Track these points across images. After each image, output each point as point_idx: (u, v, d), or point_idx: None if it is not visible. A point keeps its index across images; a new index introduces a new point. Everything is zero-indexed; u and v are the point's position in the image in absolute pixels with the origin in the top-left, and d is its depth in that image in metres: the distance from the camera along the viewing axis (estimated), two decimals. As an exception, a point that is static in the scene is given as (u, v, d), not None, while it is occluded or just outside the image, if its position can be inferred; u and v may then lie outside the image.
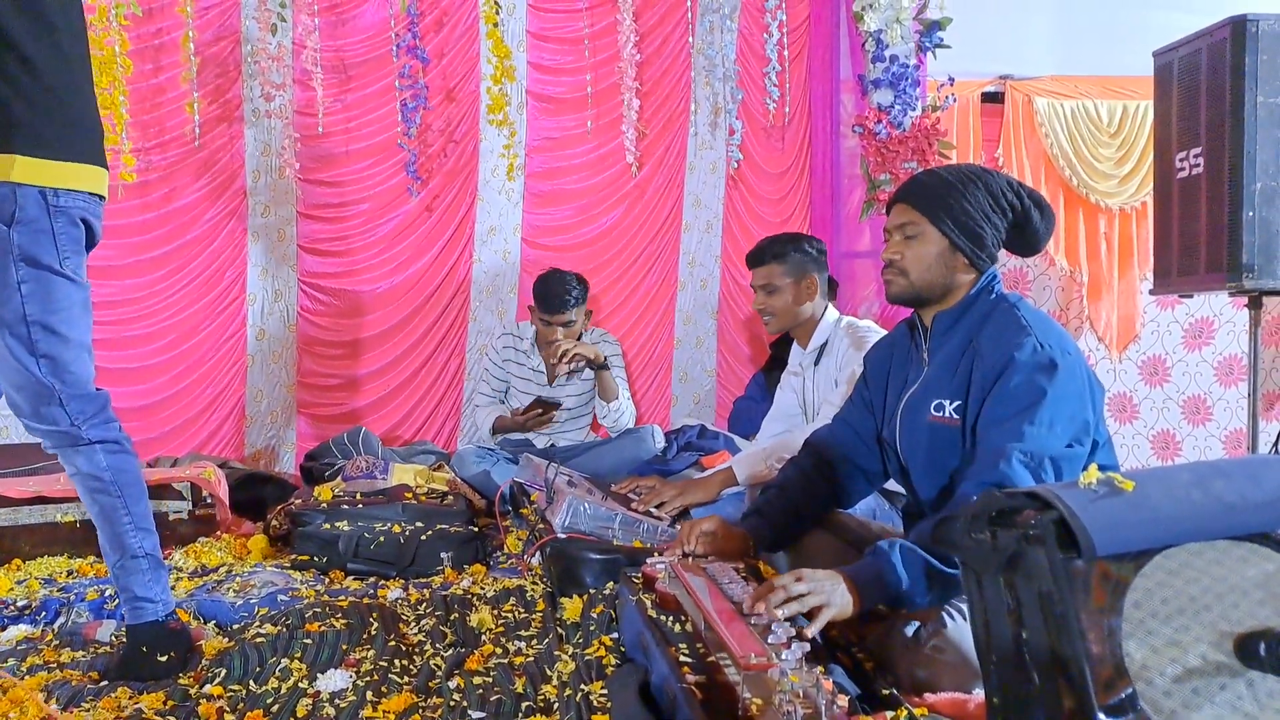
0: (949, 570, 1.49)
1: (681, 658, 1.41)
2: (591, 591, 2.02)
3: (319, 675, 1.71)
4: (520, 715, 1.54)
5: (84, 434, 1.77)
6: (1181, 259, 3.37)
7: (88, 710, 1.62)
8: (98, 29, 3.37)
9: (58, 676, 1.79)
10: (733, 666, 1.29)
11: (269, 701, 1.62)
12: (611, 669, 1.66)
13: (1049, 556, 0.98)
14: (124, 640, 1.87)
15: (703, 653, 1.44)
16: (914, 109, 3.80)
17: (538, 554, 2.34)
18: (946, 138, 3.85)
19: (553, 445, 3.57)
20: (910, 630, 1.59)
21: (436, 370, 4.07)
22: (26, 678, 1.78)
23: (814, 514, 2.00)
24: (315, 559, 2.53)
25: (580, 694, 1.56)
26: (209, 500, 2.94)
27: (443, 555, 2.55)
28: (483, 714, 1.55)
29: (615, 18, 4.07)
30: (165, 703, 1.64)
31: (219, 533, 2.89)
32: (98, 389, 1.82)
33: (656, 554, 2.03)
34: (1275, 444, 3.84)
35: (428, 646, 1.89)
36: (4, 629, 2.09)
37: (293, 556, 2.57)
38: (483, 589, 2.28)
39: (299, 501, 2.74)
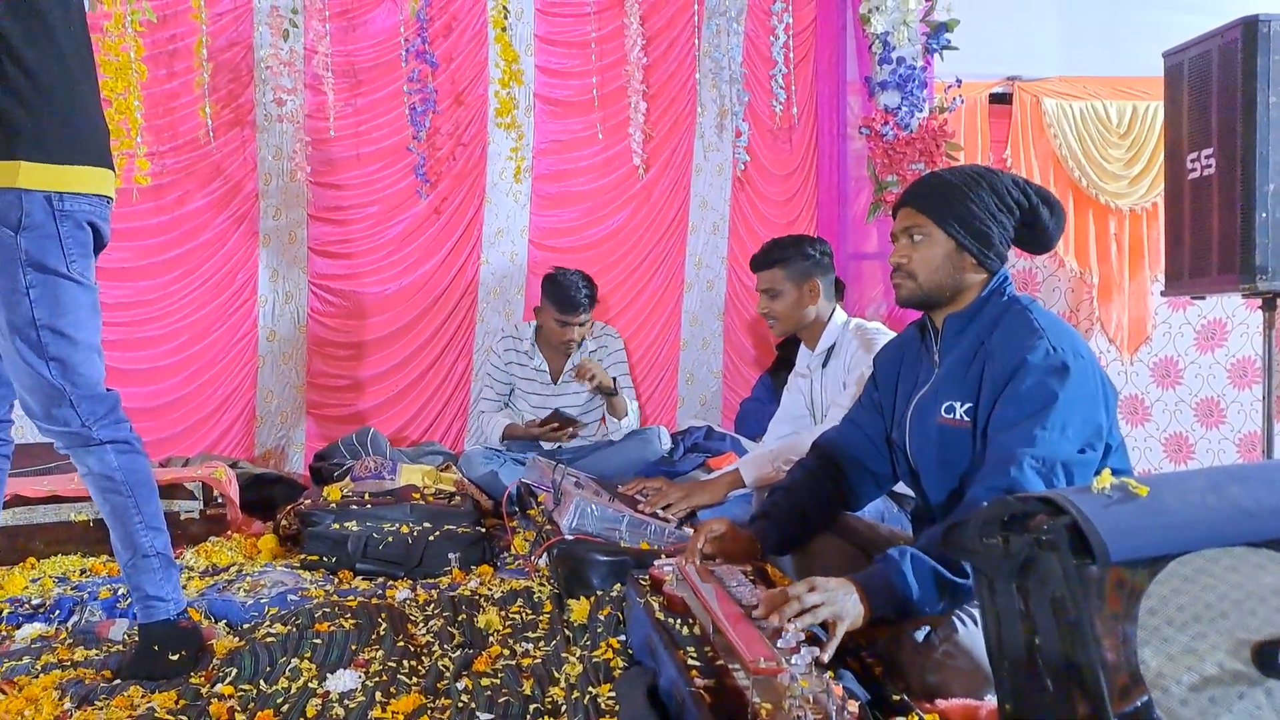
0: (959, 579, 1.48)
1: (690, 661, 1.41)
2: (599, 593, 2.02)
3: (328, 675, 1.71)
4: (528, 717, 1.55)
5: (95, 434, 1.79)
6: (1193, 260, 3.35)
7: (100, 708, 1.63)
8: (113, 35, 3.40)
9: (71, 675, 1.80)
10: (742, 671, 1.29)
11: (279, 701, 1.62)
12: (619, 671, 1.66)
13: (1062, 562, 0.97)
14: (136, 639, 1.88)
15: (711, 656, 1.44)
16: (921, 110, 3.78)
17: (545, 555, 2.34)
18: (954, 139, 3.84)
19: (559, 446, 3.58)
20: (921, 635, 1.59)
21: (444, 371, 4.08)
22: (41, 675, 1.79)
23: (822, 517, 1.99)
24: (324, 559, 2.54)
25: (588, 696, 1.57)
26: (220, 500, 2.95)
27: (450, 556, 2.56)
28: (490, 716, 1.55)
29: (622, 22, 4.07)
30: (177, 702, 1.65)
31: (229, 532, 2.90)
32: (108, 390, 1.83)
33: (664, 556, 2.03)
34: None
35: (436, 647, 1.90)
36: (18, 627, 2.11)
37: (302, 556, 2.58)
38: (490, 590, 2.29)
39: (308, 502, 2.75)
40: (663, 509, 2.43)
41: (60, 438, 1.80)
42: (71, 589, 2.35)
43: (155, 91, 3.61)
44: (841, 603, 1.47)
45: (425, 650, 1.90)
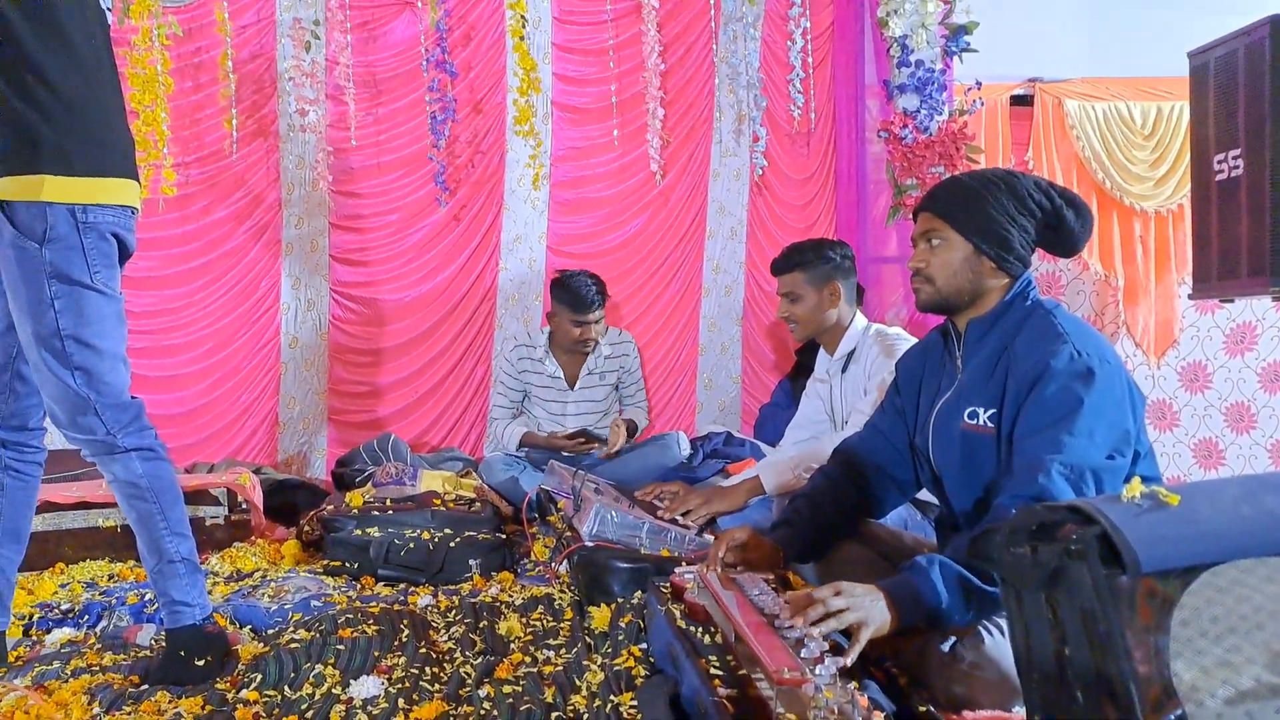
0: (988, 588, 1.46)
1: (712, 670, 1.41)
2: (620, 600, 2.01)
3: (352, 681, 1.72)
4: (550, 725, 1.54)
5: (120, 442, 1.80)
6: (1221, 263, 3.31)
7: (129, 714, 1.65)
8: (140, 49, 3.46)
9: (100, 680, 1.82)
10: (765, 681, 1.28)
11: (303, 707, 1.63)
12: (641, 680, 1.66)
13: (1092, 573, 0.96)
14: (163, 644, 1.90)
15: (733, 665, 1.43)
16: (940, 113, 3.76)
17: (565, 562, 2.34)
18: (974, 142, 3.82)
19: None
20: (947, 645, 1.57)
21: (463, 377, 4.10)
22: (70, 680, 1.81)
23: (844, 524, 1.98)
24: (347, 565, 2.55)
25: (610, 705, 1.56)
26: (244, 506, 2.97)
27: (471, 562, 2.56)
28: (513, 724, 1.55)
29: (639, 29, 4.08)
30: (203, 707, 1.67)
31: (254, 538, 2.92)
32: (132, 397, 1.85)
33: (684, 563, 2.03)
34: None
35: (458, 654, 1.90)
36: (48, 632, 2.13)
37: (325, 562, 2.60)
38: (511, 597, 2.29)
39: (330, 507, 2.77)
40: (683, 515, 2.42)
41: (86, 445, 1.82)
42: (100, 594, 2.37)
43: (181, 103, 3.66)
44: (868, 608, 1.45)
45: (447, 657, 1.90)
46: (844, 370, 2.68)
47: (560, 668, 1.76)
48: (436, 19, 3.84)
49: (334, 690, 1.69)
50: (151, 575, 1.87)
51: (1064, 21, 4.55)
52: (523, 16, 3.89)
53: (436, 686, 1.72)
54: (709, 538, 2.31)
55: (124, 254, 1.87)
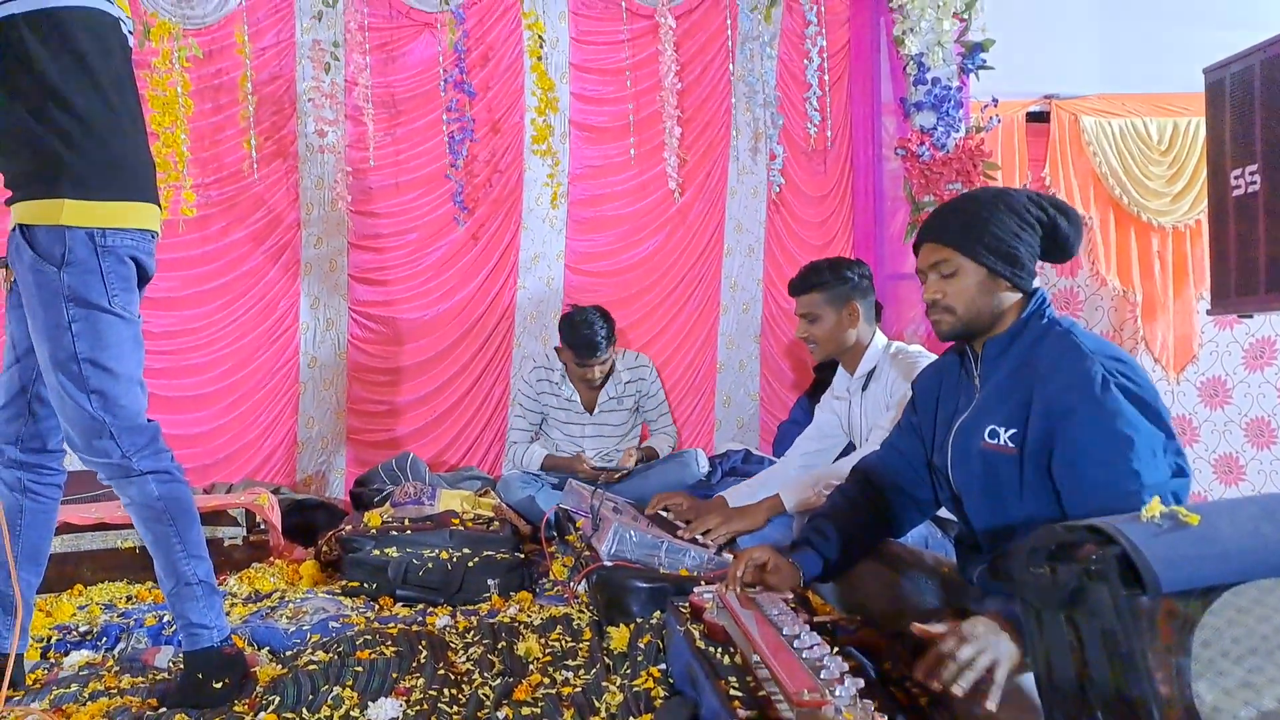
0: None
1: (731, 691, 1.40)
2: (638, 621, 2.01)
3: (370, 703, 1.72)
4: (570, 747, 1.54)
5: (135, 465, 1.81)
6: (1240, 278, 3.28)
7: (147, 737, 1.65)
8: (161, 71, 3.52)
9: (118, 703, 1.83)
10: (785, 702, 1.27)
11: (322, 730, 1.63)
12: (660, 701, 1.65)
13: (1112, 593, 0.95)
14: (181, 666, 1.90)
15: (753, 686, 1.42)
16: (957, 130, 3.76)
17: (584, 582, 2.34)
18: (991, 158, 3.81)
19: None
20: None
21: (482, 395, 4.11)
22: (88, 704, 1.82)
23: (864, 543, 1.97)
24: (365, 585, 2.56)
25: (630, 726, 1.56)
26: (263, 526, 2.98)
27: (490, 582, 2.56)
28: (533, 745, 1.55)
29: (656, 48, 4.11)
30: (221, 730, 1.67)
31: (272, 558, 2.93)
32: (149, 420, 1.86)
33: (703, 583, 2.02)
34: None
35: (476, 675, 1.90)
36: (66, 654, 2.14)
37: (343, 583, 2.60)
38: (530, 617, 2.29)
39: (349, 528, 2.78)
40: (702, 534, 2.42)
41: (101, 469, 1.83)
42: (118, 616, 2.39)
43: (201, 125, 3.71)
44: (996, 646, 1.41)
45: (466, 678, 1.90)
46: (864, 389, 2.68)
47: (579, 689, 1.76)
48: (455, 40, 3.88)
49: (352, 713, 1.70)
50: (169, 597, 1.88)
51: (1080, 38, 4.54)
52: (540, 37, 3.93)
53: (455, 709, 1.72)
54: (728, 557, 2.30)
55: (143, 277, 1.88)
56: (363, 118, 3.86)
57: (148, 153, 1.92)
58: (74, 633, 2.26)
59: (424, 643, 2.03)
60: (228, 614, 2.19)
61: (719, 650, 1.59)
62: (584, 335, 3.45)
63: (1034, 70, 4.37)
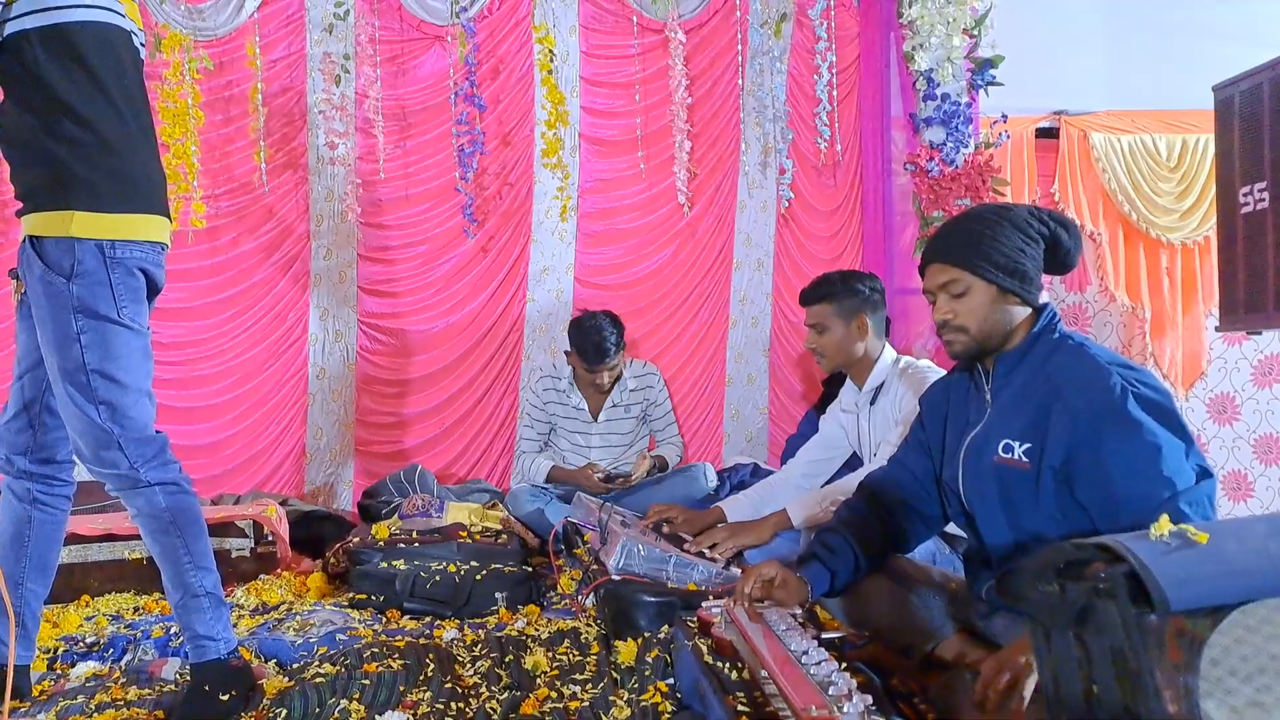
0: None
1: (739, 707, 1.40)
2: (646, 635, 2.01)
3: (377, 716, 1.72)
4: (577, 762, 1.54)
5: (143, 476, 1.81)
6: (1249, 295, 3.28)
7: (154, 748, 1.65)
8: (171, 83, 3.54)
9: (125, 714, 1.83)
10: (793, 718, 1.27)
11: (329, 743, 1.63)
12: (668, 716, 1.65)
13: (1121, 611, 0.95)
14: (188, 678, 1.90)
15: (760, 702, 1.42)
16: (966, 146, 3.77)
17: (592, 595, 2.33)
18: (1000, 174, 3.82)
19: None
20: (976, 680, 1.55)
21: (490, 408, 4.12)
22: (95, 715, 1.82)
23: (872, 558, 1.96)
24: (372, 598, 2.55)
25: (637, 741, 1.55)
26: (270, 538, 2.98)
27: (497, 595, 2.56)
28: (539, 759, 1.54)
29: (666, 63, 4.13)
30: (228, 742, 1.67)
31: (279, 570, 2.93)
32: (156, 432, 1.86)
33: (711, 597, 2.02)
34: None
35: (483, 689, 1.90)
36: (73, 665, 2.14)
37: (350, 595, 2.60)
38: (537, 630, 2.29)
39: (357, 539, 2.78)
40: (709, 548, 2.42)
41: (109, 480, 1.83)
42: (125, 627, 2.38)
43: (211, 136, 3.74)
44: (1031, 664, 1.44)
45: (473, 692, 1.89)
46: (872, 403, 2.68)
47: (586, 703, 1.75)
48: (465, 53, 3.90)
49: (359, 724, 1.69)
50: (176, 609, 1.87)
51: (1089, 55, 4.56)
52: (550, 51, 3.95)
53: (461, 721, 1.72)
54: (736, 571, 2.30)
55: (153, 290, 1.89)
56: (373, 130, 3.88)
57: (159, 165, 1.93)
58: (81, 644, 2.26)
59: (431, 656, 2.02)
60: (235, 626, 2.19)
61: (727, 665, 1.59)
62: (593, 340, 3.45)
63: (1043, 86, 4.38)
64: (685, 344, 4.28)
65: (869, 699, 1.27)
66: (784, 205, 4.33)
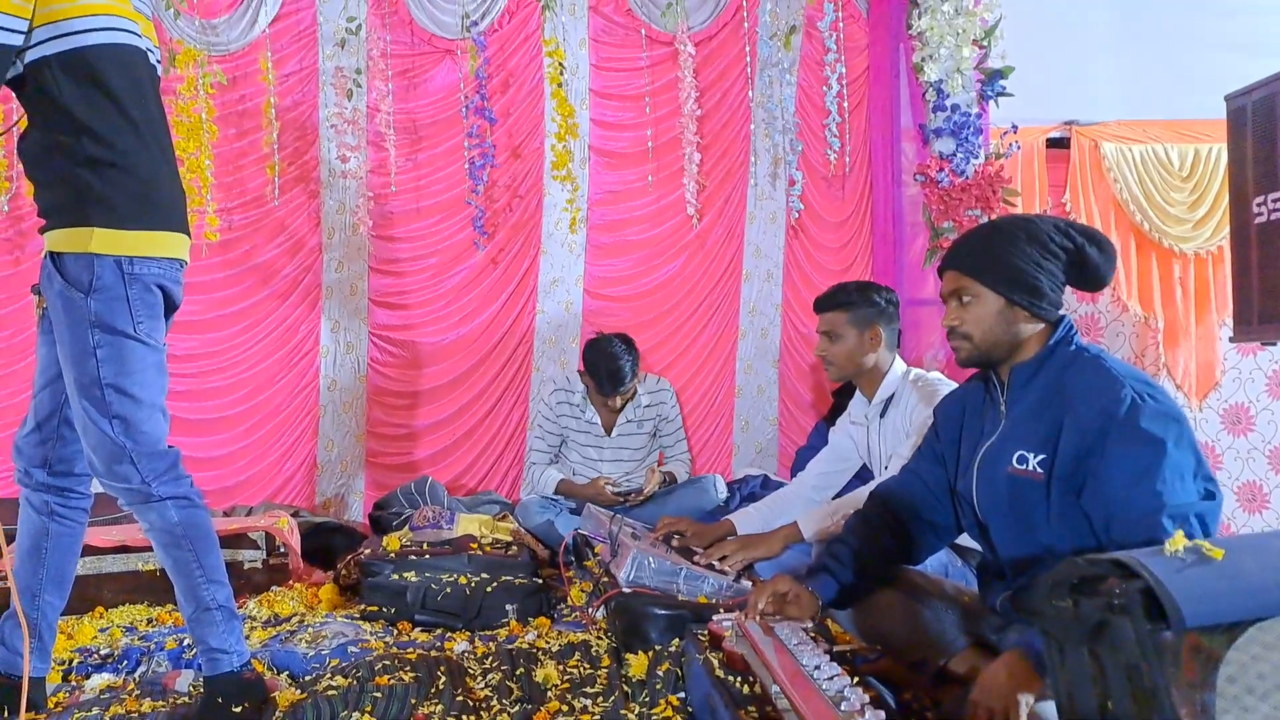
0: None
1: (751, 721, 1.40)
2: (657, 648, 2.00)
3: (389, 730, 1.72)
4: (588, 776, 1.53)
5: (155, 491, 1.82)
6: (1263, 305, 3.27)
7: (167, 761, 1.66)
8: (185, 97, 3.57)
9: (138, 727, 1.83)
10: (805, 732, 1.27)
11: (341, 756, 1.63)
12: (679, 730, 1.64)
13: (1135, 627, 0.94)
14: (201, 691, 1.91)
15: (773, 716, 1.42)
16: (977, 157, 3.76)
17: (602, 608, 2.33)
18: (1011, 185, 3.81)
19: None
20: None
21: (500, 419, 4.12)
22: (109, 728, 1.83)
23: (882, 567, 1.96)
24: (384, 609, 2.56)
25: (648, 755, 1.55)
26: (282, 549, 2.99)
27: (508, 607, 2.56)
28: (551, 774, 1.54)
29: (676, 75, 4.14)
30: (241, 755, 1.67)
31: (291, 582, 2.93)
32: (169, 446, 1.88)
33: (722, 610, 2.01)
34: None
35: (494, 702, 1.90)
36: (88, 677, 2.15)
37: (362, 607, 2.60)
38: (548, 643, 2.28)
39: (368, 551, 2.78)
40: (719, 561, 2.41)
41: (121, 494, 1.84)
42: (139, 639, 2.39)
43: (225, 150, 3.77)
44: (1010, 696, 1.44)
45: (484, 705, 1.90)
46: (883, 415, 2.67)
47: (598, 716, 1.75)
48: (476, 66, 3.92)
49: (371, 737, 1.69)
50: (189, 622, 1.89)
51: (1100, 65, 4.54)
52: (560, 64, 3.97)
53: (472, 734, 1.72)
54: (747, 584, 2.30)
55: (170, 306, 1.91)
56: (384, 144, 3.90)
57: (178, 183, 1.95)
58: (95, 655, 2.27)
59: (442, 668, 2.03)
60: (247, 638, 2.20)
61: (738, 679, 1.58)
62: (608, 368, 3.43)
63: (1054, 97, 4.37)
64: (695, 355, 4.28)
65: (881, 715, 1.27)
66: (793, 216, 4.33)
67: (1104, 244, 1.76)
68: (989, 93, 3.79)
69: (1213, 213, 4.41)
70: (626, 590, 2.21)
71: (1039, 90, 4.00)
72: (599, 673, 2.01)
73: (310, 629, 2.43)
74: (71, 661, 2.24)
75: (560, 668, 2.06)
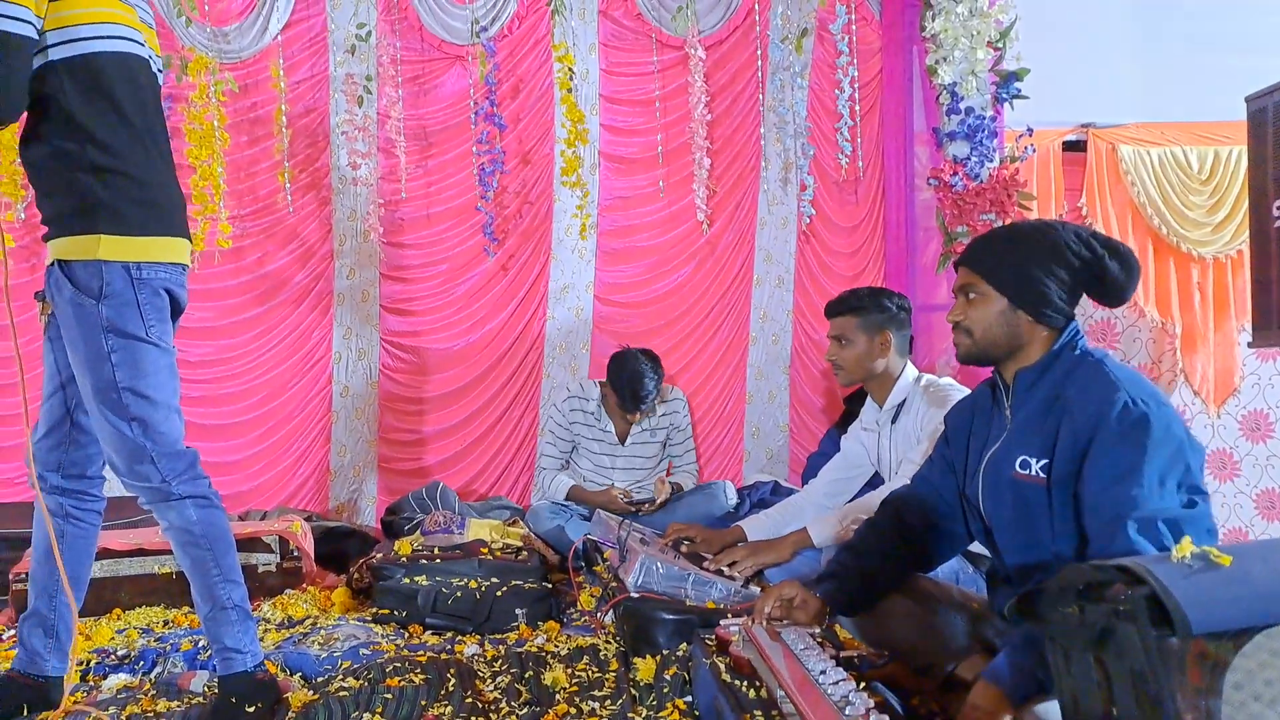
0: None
1: (757, 726, 1.39)
2: (665, 653, 2.00)
3: (397, 732, 1.72)
4: (595, 780, 1.53)
5: (174, 489, 1.86)
6: (1283, 310, 3.23)
7: (177, 763, 1.67)
8: (197, 105, 3.60)
9: (152, 727, 1.85)
10: (810, 737, 1.26)
11: (349, 759, 1.64)
12: (686, 734, 1.64)
13: (1141, 633, 0.93)
14: (216, 691, 1.92)
15: (779, 721, 1.41)
16: (991, 160, 3.75)
17: (611, 612, 2.33)
18: (1026, 188, 3.79)
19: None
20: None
21: (511, 425, 4.13)
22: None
23: (891, 576, 1.94)
24: (395, 613, 2.57)
25: (655, 760, 1.55)
26: (296, 553, 3.01)
27: (517, 611, 2.57)
28: (557, 778, 1.54)
29: (686, 80, 4.14)
30: (251, 757, 1.68)
31: (305, 585, 2.95)
32: (186, 447, 1.91)
33: (730, 615, 2.01)
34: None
35: (503, 704, 1.91)
36: (104, 677, 2.18)
37: (374, 610, 2.62)
38: (557, 646, 2.29)
39: (380, 555, 2.80)
40: (729, 566, 2.41)
41: (142, 493, 1.88)
42: (155, 640, 2.41)
43: (237, 158, 3.80)
44: None
45: (493, 707, 1.90)
46: (894, 421, 2.66)
47: (605, 719, 1.75)
48: (486, 72, 3.94)
49: (379, 740, 1.70)
50: (205, 621, 1.91)
51: (1117, 66, 4.51)
52: (570, 69, 3.98)
53: (480, 738, 1.72)
54: (755, 589, 2.29)
55: (176, 309, 1.94)
56: (395, 150, 3.93)
57: (178, 189, 1.98)
58: (113, 656, 2.30)
59: (452, 671, 2.03)
60: (261, 639, 2.21)
61: (745, 684, 1.58)
62: (631, 389, 3.40)
63: (1070, 99, 4.34)
64: (705, 361, 4.28)
65: (886, 719, 1.26)
66: (805, 221, 4.32)
67: (1127, 259, 1.73)
68: (1004, 95, 3.78)
69: (1232, 216, 4.37)
70: (634, 595, 2.21)
71: (1055, 92, 3.98)
72: (607, 676, 2.02)
73: (323, 631, 2.45)
74: (89, 662, 2.26)
75: (569, 671, 2.06)
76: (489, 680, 2.06)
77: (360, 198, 3.94)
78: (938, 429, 2.15)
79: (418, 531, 3.01)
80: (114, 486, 2.01)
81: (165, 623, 2.63)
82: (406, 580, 2.61)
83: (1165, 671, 0.92)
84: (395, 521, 3.41)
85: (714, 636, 1.83)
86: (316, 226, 3.93)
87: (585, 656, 2.16)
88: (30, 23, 1.70)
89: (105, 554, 2.69)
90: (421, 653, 2.21)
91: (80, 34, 1.76)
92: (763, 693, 1.52)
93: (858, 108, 4.27)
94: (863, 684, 1.46)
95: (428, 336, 4.06)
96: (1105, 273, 1.72)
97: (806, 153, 4.28)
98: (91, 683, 2.16)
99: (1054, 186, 4.42)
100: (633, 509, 3.41)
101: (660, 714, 1.75)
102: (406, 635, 2.49)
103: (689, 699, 1.79)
